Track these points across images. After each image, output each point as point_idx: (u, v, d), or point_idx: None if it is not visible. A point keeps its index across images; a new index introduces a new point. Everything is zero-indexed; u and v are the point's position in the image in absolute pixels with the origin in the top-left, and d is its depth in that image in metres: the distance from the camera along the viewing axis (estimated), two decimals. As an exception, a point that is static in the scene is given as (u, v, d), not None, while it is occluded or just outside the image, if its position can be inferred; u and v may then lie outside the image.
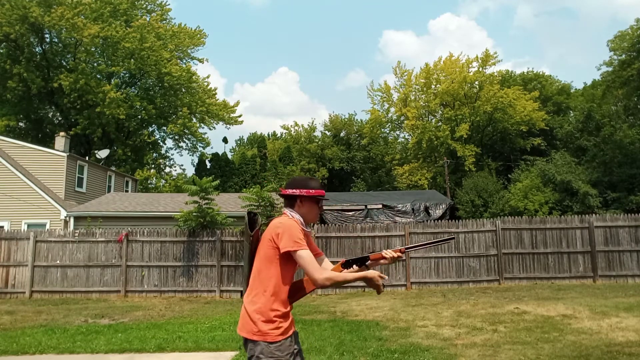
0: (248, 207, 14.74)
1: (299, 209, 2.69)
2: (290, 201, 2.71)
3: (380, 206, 17.96)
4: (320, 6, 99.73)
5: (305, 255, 2.48)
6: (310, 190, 2.68)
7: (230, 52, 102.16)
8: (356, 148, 42.65)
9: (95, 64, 33.92)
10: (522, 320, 8.13)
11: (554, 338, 6.70)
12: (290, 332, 2.58)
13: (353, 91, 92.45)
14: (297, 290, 2.65)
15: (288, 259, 2.54)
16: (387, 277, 2.63)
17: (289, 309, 2.60)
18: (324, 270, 2.53)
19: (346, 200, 18.93)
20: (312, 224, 2.75)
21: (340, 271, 2.65)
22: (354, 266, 2.66)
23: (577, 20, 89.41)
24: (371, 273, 2.57)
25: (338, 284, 2.57)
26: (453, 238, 3.27)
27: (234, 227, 14.34)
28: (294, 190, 2.69)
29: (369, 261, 2.70)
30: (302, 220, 2.66)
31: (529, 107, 33.86)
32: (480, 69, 35.86)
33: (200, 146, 38.76)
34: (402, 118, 39.53)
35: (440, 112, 38.00)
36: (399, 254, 2.68)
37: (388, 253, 2.66)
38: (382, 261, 2.68)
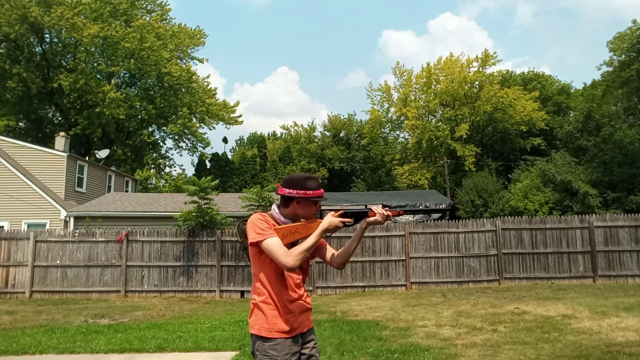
0: (248, 207, 14.74)
1: (293, 209, 2.58)
2: (286, 201, 2.60)
3: (380, 206, 17.93)
4: (320, 6, 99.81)
5: (269, 243, 2.43)
6: (308, 192, 2.55)
7: (230, 52, 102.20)
8: (356, 148, 42.67)
9: (95, 64, 33.94)
10: (522, 320, 8.13)
11: (554, 338, 6.70)
12: (294, 333, 2.51)
13: (353, 91, 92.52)
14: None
15: (264, 253, 2.51)
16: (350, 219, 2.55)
17: (291, 306, 2.53)
18: (288, 252, 2.43)
19: (346, 200, 18.91)
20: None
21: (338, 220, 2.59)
22: (352, 219, 2.58)
23: (577, 21, 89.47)
24: (327, 221, 2.49)
25: (305, 253, 2.45)
26: (450, 207, 3.09)
27: (234, 227, 14.33)
28: (291, 191, 2.55)
29: (367, 218, 2.62)
30: (283, 219, 2.60)
31: (529, 107, 33.86)
32: (480, 69, 35.87)
33: (200, 146, 38.82)
34: (402, 118, 39.55)
35: (440, 112, 38.01)
36: (395, 212, 2.62)
37: (378, 210, 2.58)
38: (377, 217, 2.60)
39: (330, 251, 2.72)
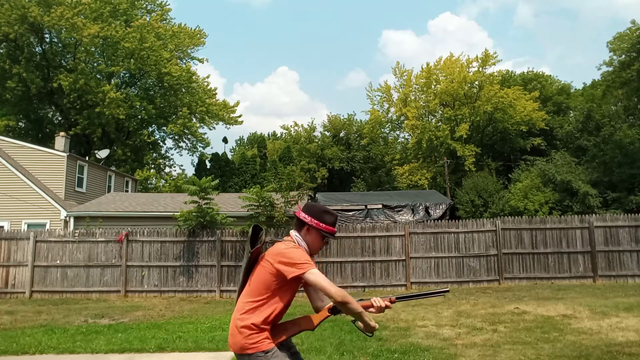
0: (248, 207, 14.73)
1: (304, 236, 2.67)
2: (299, 225, 2.69)
3: (380, 206, 17.94)
4: (320, 6, 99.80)
5: (316, 273, 2.45)
6: (321, 224, 2.64)
7: (230, 52, 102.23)
8: (356, 148, 42.65)
9: (95, 64, 33.93)
10: (522, 320, 8.13)
11: (554, 338, 6.70)
12: (281, 339, 2.59)
13: (353, 91, 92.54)
14: (290, 327, 2.63)
15: (286, 284, 2.52)
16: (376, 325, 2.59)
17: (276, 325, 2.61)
18: (336, 286, 2.48)
19: (346, 200, 18.91)
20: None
21: (327, 316, 2.63)
22: (341, 313, 2.60)
23: (577, 21, 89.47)
24: (368, 315, 2.53)
25: (347, 306, 2.48)
26: (447, 291, 2.94)
27: (234, 227, 14.34)
28: (306, 217, 2.65)
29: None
30: (307, 248, 2.64)
31: (529, 107, 33.84)
32: (480, 69, 35.84)
33: (200, 146, 38.79)
34: (402, 118, 39.53)
35: (440, 112, 38.00)
36: (388, 303, 2.63)
37: (377, 301, 2.62)
38: (370, 309, 2.64)
39: (318, 295, 2.73)
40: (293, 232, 2.69)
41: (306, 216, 2.65)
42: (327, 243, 2.78)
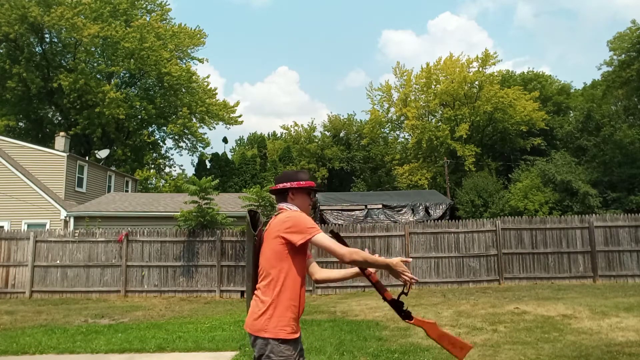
0: (248, 207, 14.74)
1: (291, 202, 2.66)
2: (282, 196, 2.68)
3: (380, 206, 17.94)
4: (320, 6, 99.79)
5: (323, 237, 2.46)
6: (301, 182, 2.66)
7: (230, 52, 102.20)
8: (356, 148, 42.66)
9: (95, 64, 33.94)
10: (522, 320, 8.13)
11: (554, 338, 6.70)
12: (299, 333, 2.57)
13: (353, 91, 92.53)
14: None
15: (298, 252, 2.49)
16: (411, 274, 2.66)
17: (299, 309, 2.56)
18: (343, 246, 2.48)
19: (346, 200, 18.90)
20: None
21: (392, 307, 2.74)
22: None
23: (577, 21, 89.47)
24: (395, 260, 2.53)
25: (364, 262, 2.49)
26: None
27: (234, 227, 14.33)
28: (285, 184, 2.67)
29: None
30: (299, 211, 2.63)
31: (529, 107, 33.84)
32: (480, 69, 35.85)
33: (200, 146, 38.80)
34: (402, 118, 39.54)
35: (440, 112, 38.01)
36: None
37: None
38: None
39: (313, 264, 2.76)
40: (282, 205, 2.67)
41: (285, 184, 2.67)
42: (313, 199, 2.82)
